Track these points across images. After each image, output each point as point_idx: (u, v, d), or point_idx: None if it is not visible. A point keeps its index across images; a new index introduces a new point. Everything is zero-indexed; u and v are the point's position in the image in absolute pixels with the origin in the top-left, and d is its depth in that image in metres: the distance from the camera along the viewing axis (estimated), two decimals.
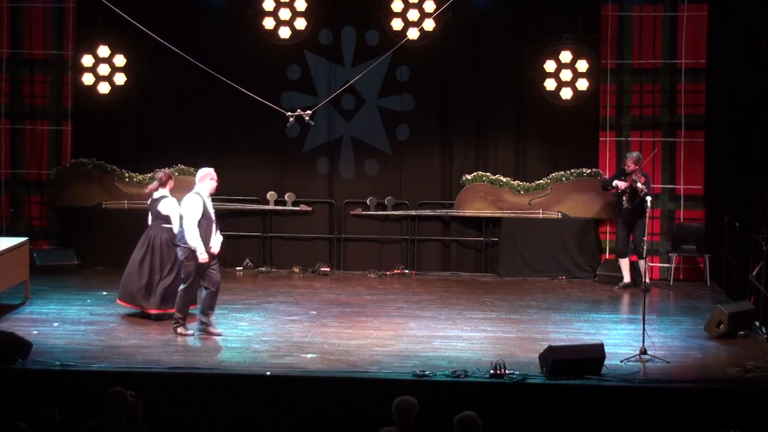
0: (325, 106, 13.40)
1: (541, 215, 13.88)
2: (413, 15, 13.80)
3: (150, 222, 11.26)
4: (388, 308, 11.90)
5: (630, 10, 13.63)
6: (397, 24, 13.80)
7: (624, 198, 12.87)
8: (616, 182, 12.97)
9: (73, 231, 14.13)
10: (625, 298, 12.68)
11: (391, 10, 13.84)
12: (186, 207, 10.40)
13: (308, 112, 11.62)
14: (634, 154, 12.96)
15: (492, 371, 8.91)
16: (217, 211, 14.19)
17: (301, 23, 13.97)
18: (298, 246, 14.33)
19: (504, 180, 13.97)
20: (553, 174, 13.94)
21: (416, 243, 14.20)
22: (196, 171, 13.98)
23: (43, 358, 9.29)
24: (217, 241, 10.52)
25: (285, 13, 13.95)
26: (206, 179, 10.54)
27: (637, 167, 12.80)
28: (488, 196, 13.94)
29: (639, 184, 12.66)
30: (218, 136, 14.25)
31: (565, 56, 13.62)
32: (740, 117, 13.19)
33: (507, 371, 8.91)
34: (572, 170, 13.87)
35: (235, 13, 14.07)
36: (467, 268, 14.08)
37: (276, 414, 8.75)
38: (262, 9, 13.93)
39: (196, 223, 10.27)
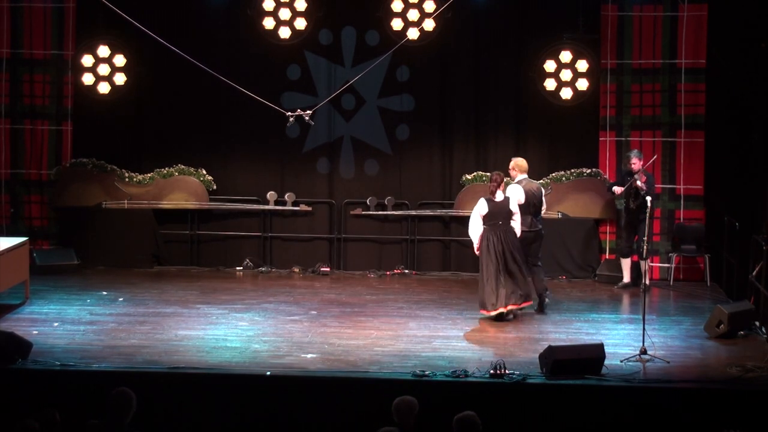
0: (325, 106, 13.40)
1: None
2: (413, 15, 13.79)
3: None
4: (388, 308, 11.90)
5: (630, 10, 13.63)
6: (397, 24, 13.80)
7: (630, 199, 12.89)
8: (614, 188, 13.01)
9: (73, 231, 14.13)
10: (625, 298, 12.68)
11: (391, 10, 13.84)
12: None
13: (308, 112, 11.63)
14: (634, 151, 12.96)
15: (492, 371, 8.91)
16: (218, 211, 14.29)
17: (301, 23, 13.97)
18: (298, 246, 14.33)
19: (504, 180, 13.94)
20: (553, 174, 13.94)
21: (416, 243, 14.20)
22: (197, 171, 14.22)
23: (43, 358, 9.29)
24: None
25: (285, 13, 13.95)
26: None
27: (641, 163, 12.82)
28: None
29: (639, 183, 12.68)
30: (218, 136, 14.26)
31: (565, 56, 13.62)
32: (740, 117, 13.18)
33: (507, 371, 8.91)
34: (572, 170, 13.87)
35: (235, 13, 14.07)
36: (467, 268, 14.04)
37: (276, 414, 8.75)
38: (262, 9, 13.93)
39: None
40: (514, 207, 11.32)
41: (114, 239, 14.05)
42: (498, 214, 11.24)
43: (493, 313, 11.11)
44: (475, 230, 11.29)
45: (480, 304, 11.24)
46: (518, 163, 11.89)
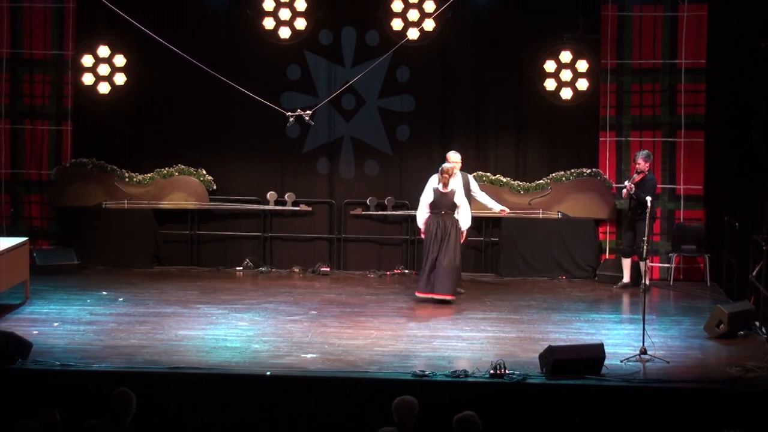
0: (325, 106, 13.40)
1: (541, 215, 13.87)
2: (413, 15, 13.79)
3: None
4: (388, 308, 11.90)
5: (630, 10, 13.63)
6: (397, 24, 13.80)
7: (630, 200, 12.94)
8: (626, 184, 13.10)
9: (73, 231, 14.12)
10: (625, 298, 12.68)
11: (391, 10, 13.84)
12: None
13: (308, 112, 11.65)
14: (644, 152, 12.93)
15: (492, 371, 8.90)
16: (218, 211, 14.29)
17: (301, 23, 13.97)
18: (298, 246, 14.33)
19: (504, 180, 13.96)
20: (553, 174, 13.94)
21: (416, 243, 14.19)
22: (197, 171, 14.23)
23: (43, 358, 9.28)
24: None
25: (285, 13, 13.95)
26: None
27: (647, 164, 12.81)
28: (488, 196, 13.92)
29: (627, 182, 12.73)
30: (218, 136, 14.26)
31: (565, 56, 13.62)
32: (740, 117, 13.19)
33: (507, 371, 8.91)
34: (572, 170, 13.87)
35: (235, 13, 14.07)
36: (467, 268, 14.04)
37: (276, 414, 8.75)
38: (262, 9, 13.93)
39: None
40: (458, 200, 12.06)
41: (114, 239, 14.04)
42: (442, 205, 12.02)
43: (418, 295, 12.09)
44: (420, 217, 12.15)
45: (426, 287, 12.08)
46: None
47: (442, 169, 12.03)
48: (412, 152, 14.20)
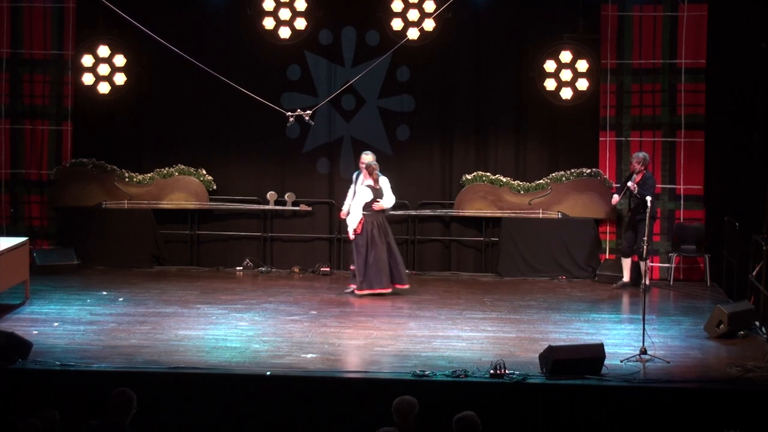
0: (325, 106, 13.40)
1: (541, 215, 13.88)
2: (413, 15, 13.79)
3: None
4: (388, 308, 11.90)
5: (630, 10, 13.63)
6: (397, 24, 13.80)
7: (630, 200, 12.94)
8: (614, 197, 13.11)
9: (73, 231, 14.12)
10: (625, 298, 12.68)
11: (391, 10, 13.84)
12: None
13: (308, 112, 11.65)
14: (640, 154, 12.95)
15: (492, 371, 8.91)
16: (218, 212, 14.29)
17: (301, 23, 13.97)
18: (298, 246, 14.33)
19: (504, 180, 13.96)
20: (553, 174, 13.94)
21: (416, 243, 14.20)
22: (197, 171, 14.23)
23: (43, 358, 9.29)
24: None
25: (285, 13, 13.95)
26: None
27: (642, 168, 12.80)
28: (488, 196, 13.94)
29: (629, 183, 12.74)
30: (218, 136, 14.26)
31: (565, 56, 13.62)
32: (740, 117, 13.19)
33: (507, 371, 8.91)
34: (572, 170, 13.87)
35: (235, 13, 14.07)
36: (467, 268, 14.08)
37: (276, 414, 8.76)
38: (262, 9, 13.93)
39: None
40: (387, 196, 12.58)
41: (114, 239, 14.04)
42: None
43: (382, 291, 12.36)
44: (357, 218, 12.34)
45: (365, 284, 12.36)
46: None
47: (370, 165, 12.46)
48: (412, 152, 14.20)
